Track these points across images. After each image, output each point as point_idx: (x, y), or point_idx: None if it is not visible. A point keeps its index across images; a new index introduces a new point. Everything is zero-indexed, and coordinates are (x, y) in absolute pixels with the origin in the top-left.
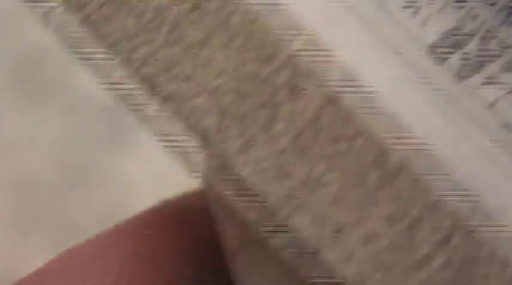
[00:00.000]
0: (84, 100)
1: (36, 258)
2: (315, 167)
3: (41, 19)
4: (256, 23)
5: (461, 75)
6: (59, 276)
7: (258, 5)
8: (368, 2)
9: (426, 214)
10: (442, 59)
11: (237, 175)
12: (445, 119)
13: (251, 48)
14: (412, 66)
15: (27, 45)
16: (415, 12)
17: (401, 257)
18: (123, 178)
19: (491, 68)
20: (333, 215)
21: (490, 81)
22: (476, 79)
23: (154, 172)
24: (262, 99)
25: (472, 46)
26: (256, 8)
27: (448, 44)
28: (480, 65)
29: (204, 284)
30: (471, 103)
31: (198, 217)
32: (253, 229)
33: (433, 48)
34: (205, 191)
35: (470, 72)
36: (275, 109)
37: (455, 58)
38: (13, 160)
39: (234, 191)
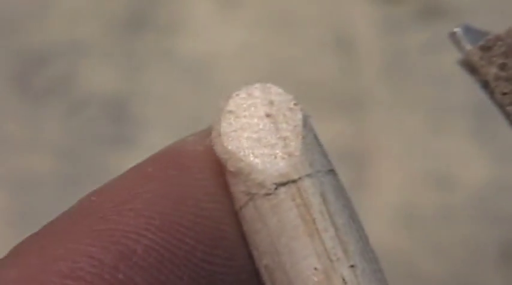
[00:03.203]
0: (85, 100)
1: None
2: None
3: None
4: None
5: None
6: (93, 217)
7: None
8: None
9: None
10: None
11: None
12: None
13: None
14: None
15: (28, 45)
16: None
17: None
18: None
19: None
20: None
21: None
22: None
23: None
24: None
25: None
26: None
27: None
28: None
29: (228, 227)
30: None
31: (213, 160)
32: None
33: None
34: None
35: None
36: None
37: None
38: (14, 159)
39: None
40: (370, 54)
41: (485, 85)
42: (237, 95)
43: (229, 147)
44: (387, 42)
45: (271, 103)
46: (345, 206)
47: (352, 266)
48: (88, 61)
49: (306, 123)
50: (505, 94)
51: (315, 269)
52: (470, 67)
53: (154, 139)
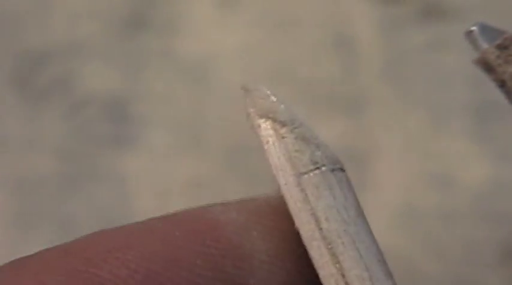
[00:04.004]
0: (85, 100)
1: None
2: None
3: None
4: None
5: None
6: (78, 258)
7: None
8: None
9: None
10: None
11: None
12: None
13: None
14: None
15: (28, 45)
16: None
17: None
18: (125, 178)
19: None
20: None
21: None
22: None
23: (157, 172)
24: None
25: None
26: None
27: None
28: None
29: None
30: None
31: (231, 228)
32: None
33: None
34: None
35: None
36: None
37: None
38: (14, 159)
39: None
40: (370, 54)
41: (502, 84)
42: (261, 88)
43: (295, 117)
44: (387, 42)
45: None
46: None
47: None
48: (88, 62)
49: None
50: None
51: (377, 250)
52: (486, 66)
53: (154, 139)
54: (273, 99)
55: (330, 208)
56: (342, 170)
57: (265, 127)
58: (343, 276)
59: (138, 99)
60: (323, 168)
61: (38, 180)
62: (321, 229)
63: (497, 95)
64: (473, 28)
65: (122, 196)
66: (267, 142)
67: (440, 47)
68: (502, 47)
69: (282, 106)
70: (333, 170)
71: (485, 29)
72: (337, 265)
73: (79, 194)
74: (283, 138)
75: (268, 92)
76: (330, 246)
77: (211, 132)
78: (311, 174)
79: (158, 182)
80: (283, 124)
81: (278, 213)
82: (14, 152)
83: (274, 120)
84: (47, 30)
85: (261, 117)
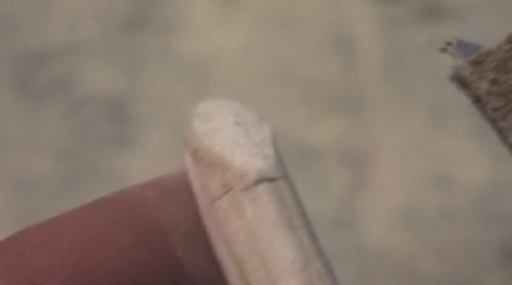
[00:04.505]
0: (85, 99)
1: None
2: None
3: None
4: None
5: None
6: (10, 253)
7: None
8: None
9: None
10: None
11: None
12: None
13: None
14: None
15: (28, 45)
16: None
17: None
18: (124, 178)
19: None
20: None
21: None
22: None
23: (157, 172)
24: None
25: None
26: None
27: None
28: None
29: (153, 274)
30: None
31: (151, 206)
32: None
33: None
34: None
35: None
36: None
37: None
38: (14, 159)
39: None
40: (370, 54)
41: (477, 100)
42: (204, 103)
43: (207, 142)
44: (387, 42)
45: (237, 114)
46: (304, 210)
47: (322, 261)
48: (88, 62)
49: (273, 135)
50: (496, 109)
51: (295, 258)
52: (461, 82)
53: (154, 139)
54: (194, 124)
55: (239, 230)
56: (272, 179)
57: (187, 157)
58: None
59: (138, 99)
60: (235, 188)
61: (38, 180)
62: (232, 253)
63: None
64: (449, 43)
65: None
66: (188, 171)
67: (440, 47)
68: (476, 63)
69: (198, 131)
70: (246, 188)
71: (460, 45)
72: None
73: (79, 194)
74: (197, 166)
75: (195, 121)
76: (240, 268)
77: None
78: (220, 200)
79: None
80: (196, 152)
81: (188, 188)
82: (14, 152)
83: (190, 149)
84: (47, 31)
85: (186, 149)
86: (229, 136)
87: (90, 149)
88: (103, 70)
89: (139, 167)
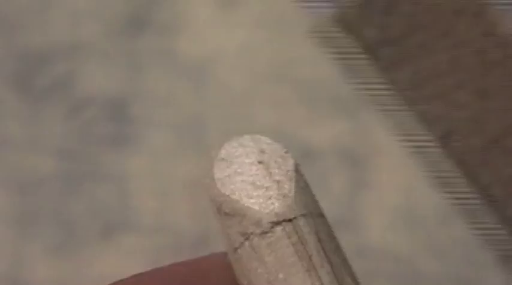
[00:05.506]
0: (86, 100)
1: (38, 257)
2: None
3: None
4: None
5: None
6: None
7: None
8: None
9: None
10: None
11: None
12: None
13: None
14: None
15: (28, 45)
16: None
17: None
18: (125, 178)
19: None
20: None
21: None
22: None
23: (157, 172)
24: None
25: None
26: None
27: None
28: None
29: None
30: None
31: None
32: None
33: None
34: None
35: None
36: None
37: None
38: (14, 159)
39: None
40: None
41: (366, 48)
42: (228, 144)
43: (223, 190)
44: None
45: (262, 151)
46: (337, 246)
47: None
48: (89, 62)
49: (297, 168)
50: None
51: None
52: (346, 26)
53: (155, 139)
54: (213, 170)
55: (260, 277)
56: (289, 220)
57: (212, 206)
58: None
59: (139, 99)
60: (252, 235)
61: (39, 180)
62: None
63: None
64: None
65: (122, 196)
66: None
67: None
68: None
69: (216, 179)
70: (265, 232)
71: None
72: None
73: (79, 194)
74: (219, 215)
75: (215, 167)
76: None
77: (211, 132)
78: (241, 248)
79: (158, 182)
80: (216, 203)
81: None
82: (14, 153)
83: (211, 200)
84: (48, 31)
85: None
86: (248, 179)
87: (91, 150)
88: (104, 70)
89: (139, 167)
